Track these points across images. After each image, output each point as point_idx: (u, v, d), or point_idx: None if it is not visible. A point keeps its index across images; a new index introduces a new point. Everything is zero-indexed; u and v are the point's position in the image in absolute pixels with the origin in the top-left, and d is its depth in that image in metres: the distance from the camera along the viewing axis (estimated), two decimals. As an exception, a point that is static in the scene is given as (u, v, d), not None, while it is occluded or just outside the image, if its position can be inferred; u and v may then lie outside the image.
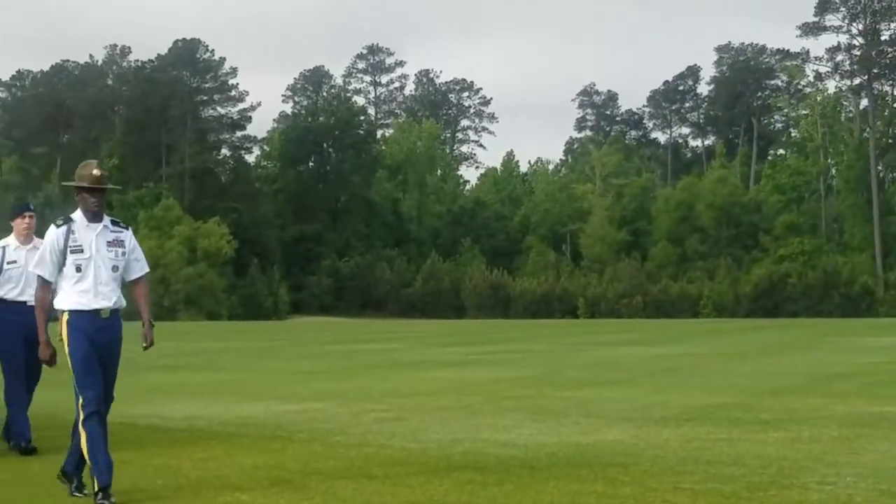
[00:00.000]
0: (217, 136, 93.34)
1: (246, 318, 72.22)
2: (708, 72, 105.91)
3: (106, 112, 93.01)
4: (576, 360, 22.13)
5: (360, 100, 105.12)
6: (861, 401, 12.81)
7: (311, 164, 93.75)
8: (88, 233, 6.94)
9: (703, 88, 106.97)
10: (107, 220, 7.07)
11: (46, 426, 10.06)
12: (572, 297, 75.10)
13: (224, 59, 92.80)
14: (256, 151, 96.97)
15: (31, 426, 9.31)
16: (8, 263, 9.30)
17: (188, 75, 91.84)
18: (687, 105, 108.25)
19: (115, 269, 6.98)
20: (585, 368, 19.44)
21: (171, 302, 71.28)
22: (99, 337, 6.81)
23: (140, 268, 7.19)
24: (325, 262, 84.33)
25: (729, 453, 8.62)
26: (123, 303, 7.02)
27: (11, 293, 9.31)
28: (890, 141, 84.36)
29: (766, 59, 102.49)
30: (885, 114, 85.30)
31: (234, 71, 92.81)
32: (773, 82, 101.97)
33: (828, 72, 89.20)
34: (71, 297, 6.87)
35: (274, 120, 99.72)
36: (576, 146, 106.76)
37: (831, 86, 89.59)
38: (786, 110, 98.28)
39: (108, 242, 6.99)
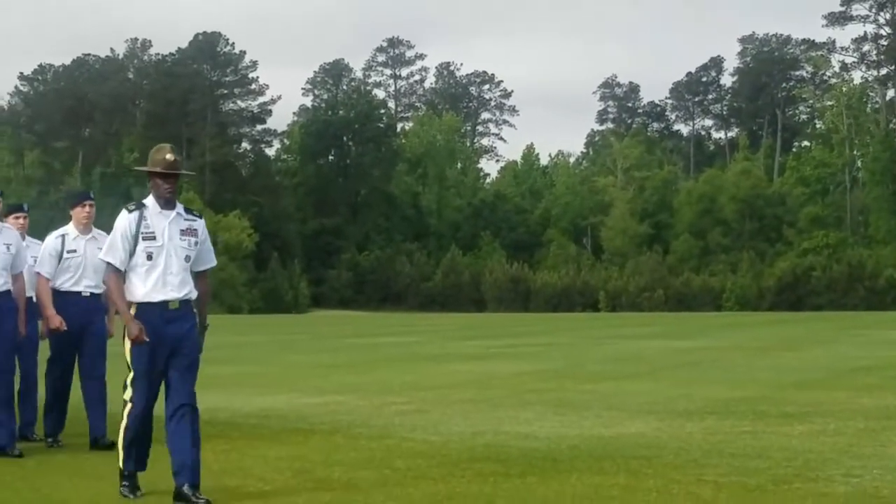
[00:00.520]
0: (237, 130, 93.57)
1: (266, 311, 72.39)
2: (731, 63, 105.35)
3: (127, 106, 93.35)
4: (597, 354, 22.08)
5: (380, 93, 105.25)
6: (887, 393, 12.72)
7: (331, 157, 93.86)
8: (161, 220, 6.65)
9: (727, 80, 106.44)
10: (179, 207, 6.79)
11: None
12: (593, 290, 74.93)
13: (244, 52, 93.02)
14: (277, 145, 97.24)
15: (100, 422, 9.04)
16: (68, 252, 9.00)
17: (209, 69, 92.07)
18: (710, 97, 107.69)
19: (187, 258, 6.68)
20: (607, 362, 19.39)
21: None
22: (167, 329, 6.51)
23: (209, 259, 6.91)
24: (345, 255, 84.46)
25: (753, 446, 8.56)
26: (195, 294, 6.70)
27: (67, 283, 9.01)
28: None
29: (791, 50, 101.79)
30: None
31: (254, 64, 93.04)
32: (797, 73, 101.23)
33: (854, 62, 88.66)
34: (140, 287, 6.58)
35: (294, 113, 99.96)
36: (597, 139, 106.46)
37: (857, 76, 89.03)
38: (811, 101, 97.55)
39: (182, 231, 6.69)
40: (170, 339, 6.51)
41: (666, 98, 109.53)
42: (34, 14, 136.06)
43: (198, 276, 6.79)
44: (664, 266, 76.69)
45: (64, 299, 8.95)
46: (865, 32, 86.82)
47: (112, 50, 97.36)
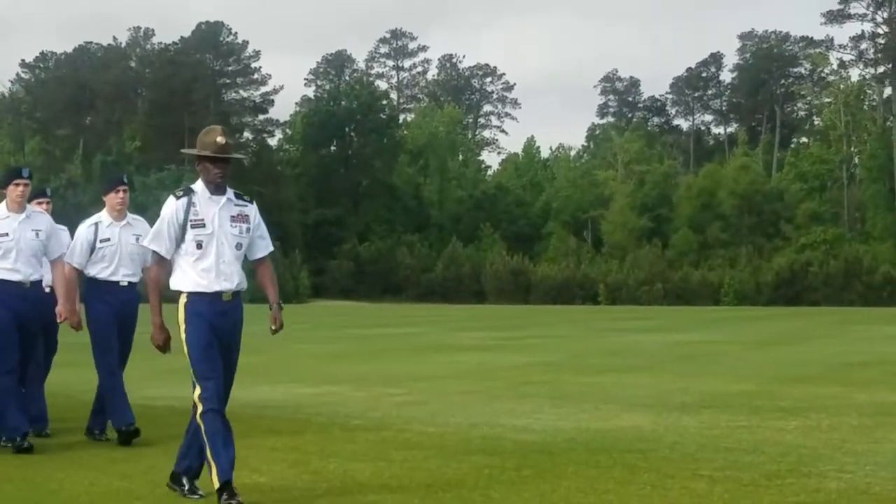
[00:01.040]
0: (240, 119, 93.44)
1: (263, 301, 72.26)
2: (731, 59, 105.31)
3: (129, 94, 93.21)
4: (596, 347, 22.12)
5: (382, 84, 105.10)
6: (882, 389, 12.76)
7: (332, 148, 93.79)
8: (211, 206, 6.29)
9: (726, 76, 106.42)
10: (230, 192, 6.42)
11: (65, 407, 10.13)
12: (593, 283, 74.93)
13: (247, 42, 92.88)
14: (279, 135, 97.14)
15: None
16: (101, 241, 8.63)
17: (211, 58, 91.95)
18: (710, 92, 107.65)
19: (238, 246, 6.34)
20: (605, 355, 19.44)
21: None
22: (220, 322, 6.21)
23: (265, 246, 6.56)
24: (346, 246, 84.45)
25: (748, 441, 8.61)
26: (246, 284, 6.40)
27: (104, 273, 8.65)
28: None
29: (790, 47, 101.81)
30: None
31: (256, 54, 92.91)
32: (796, 70, 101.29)
33: (852, 60, 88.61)
34: (190, 277, 6.23)
35: (296, 104, 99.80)
36: (598, 132, 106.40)
37: (855, 74, 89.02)
38: (809, 98, 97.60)
39: (232, 217, 6.34)
40: (225, 330, 6.26)
41: (666, 93, 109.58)
42: (37, 2, 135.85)
43: (258, 264, 6.52)
44: (663, 260, 76.68)
45: (101, 289, 8.64)
46: (863, 31, 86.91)
47: (115, 38, 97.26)
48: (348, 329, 31.30)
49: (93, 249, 8.62)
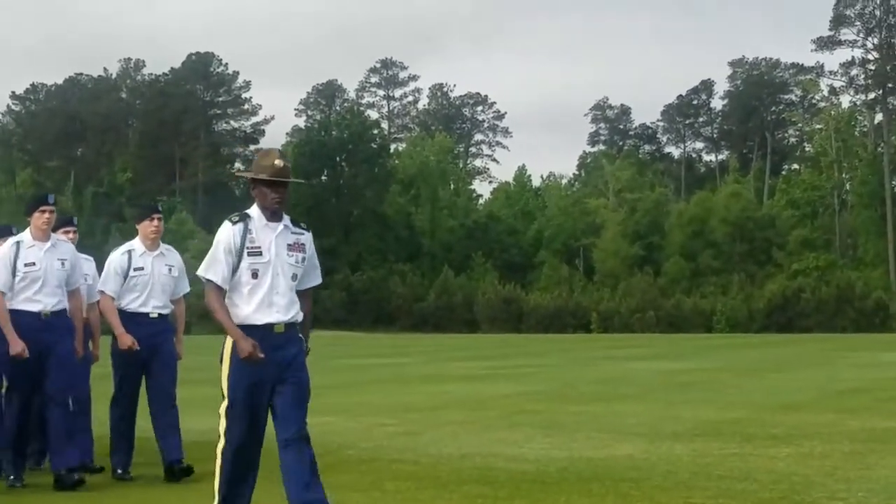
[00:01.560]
0: (230, 150, 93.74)
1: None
2: (722, 86, 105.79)
3: (120, 125, 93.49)
4: (588, 375, 22.11)
5: (373, 114, 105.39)
6: (874, 416, 12.77)
7: (324, 177, 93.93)
8: (268, 233, 5.95)
9: (717, 103, 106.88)
10: (286, 219, 6.08)
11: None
12: (585, 311, 74.95)
13: (237, 72, 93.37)
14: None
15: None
16: (134, 270, 8.37)
17: (202, 89, 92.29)
18: (700, 119, 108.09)
19: (294, 277, 5.97)
20: (598, 383, 19.42)
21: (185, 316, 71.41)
22: (274, 356, 5.80)
23: (315, 276, 6.20)
24: (338, 276, 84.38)
25: (740, 468, 8.62)
26: (301, 316, 6.00)
27: (134, 304, 8.39)
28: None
29: (781, 74, 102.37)
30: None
31: (247, 84, 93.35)
32: (787, 97, 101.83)
33: (842, 86, 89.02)
34: (241, 309, 5.87)
35: (287, 134, 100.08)
36: (589, 160, 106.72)
37: (846, 100, 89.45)
38: (800, 125, 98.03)
39: (289, 245, 6.00)
40: (275, 366, 5.83)
41: (657, 120, 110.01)
42: (27, 33, 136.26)
43: (302, 295, 6.08)
44: (655, 288, 76.74)
45: (130, 321, 8.34)
46: (853, 57, 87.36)
47: (105, 69, 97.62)
48: (341, 359, 31.23)
49: (126, 278, 8.38)
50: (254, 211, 6.04)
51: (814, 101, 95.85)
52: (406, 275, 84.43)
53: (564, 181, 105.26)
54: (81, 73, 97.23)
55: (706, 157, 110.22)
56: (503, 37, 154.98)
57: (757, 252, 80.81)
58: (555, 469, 8.72)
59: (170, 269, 8.55)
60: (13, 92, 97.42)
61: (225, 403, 5.96)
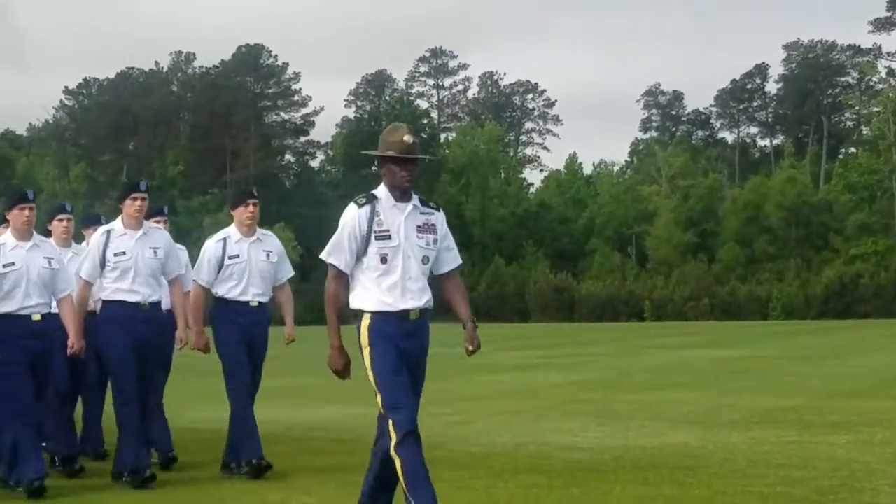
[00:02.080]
0: (281, 142, 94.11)
1: (310, 323, 72.64)
2: (776, 70, 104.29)
3: (171, 119, 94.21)
4: (642, 364, 21.97)
5: (423, 103, 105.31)
6: (935, 403, 12.56)
7: (374, 168, 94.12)
8: (396, 214, 5.61)
9: (772, 87, 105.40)
10: (415, 198, 5.74)
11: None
12: (638, 299, 74.50)
13: (287, 64, 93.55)
14: (320, 156, 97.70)
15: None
16: (230, 258, 8.06)
17: (252, 81, 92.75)
18: (755, 104, 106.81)
19: (425, 260, 5.65)
20: (652, 371, 19.29)
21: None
22: (406, 344, 5.58)
23: (453, 258, 5.87)
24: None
25: (799, 456, 8.49)
26: (432, 303, 5.72)
27: (232, 292, 8.08)
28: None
29: (837, 56, 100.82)
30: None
31: (297, 76, 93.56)
32: (843, 79, 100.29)
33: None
34: (373, 295, 5.55)
35: (337, 125, 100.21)
36: (641, 147, 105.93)
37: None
38: (857, 108, 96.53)
39: (419, 227, 5.66)
40: (408, 354, 5.62)
41: (710, 105, 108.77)
42: (79, 28, 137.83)
43: (446, 279, 5.83)
44: (710, 275, 76.10)
45: (230, 309, 8.06)
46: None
47: (156, 63, 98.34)
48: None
49: (221, 266, 8.09)
50: (381, 191, 5.67)
51: (871, 84, 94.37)
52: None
53: (616, 168, 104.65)
54: (133, 68, 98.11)
55: (761, 142, 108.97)
56: (553, 24, 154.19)
57: (813, 237, 79.84)
58: (610, 457, 8.66)
59: (268, 255, 8.25)
60: (66, 87, 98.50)
61: (380, 398, 5.64)
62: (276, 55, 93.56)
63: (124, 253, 7.75)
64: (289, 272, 8.54)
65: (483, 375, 19.00)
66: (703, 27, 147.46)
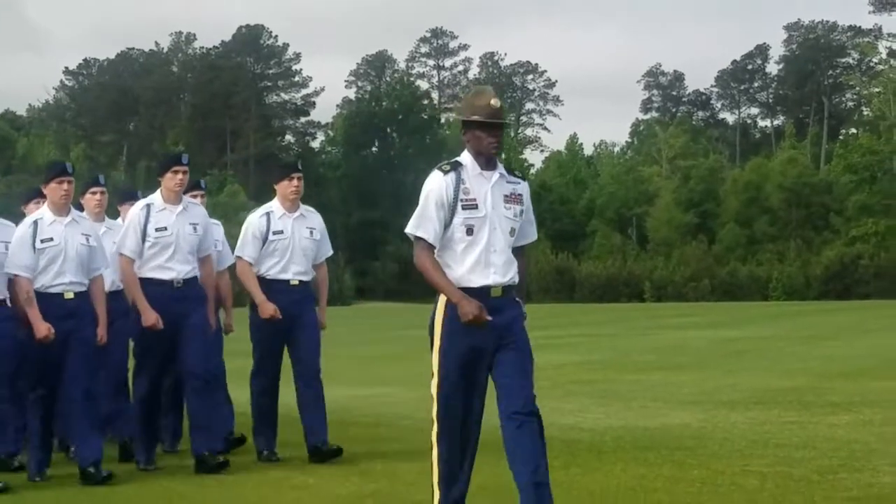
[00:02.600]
0: (281, 122, 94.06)
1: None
2: (777, 51, 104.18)
3: (171, 99, 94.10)
4: (642, 344, 21.98)
5: (423, 84, 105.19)
6: (935, 383, 12.56)
7: (374, 149, 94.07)
8: (482, 183, 5.26)
9: (773, 68, 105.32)
10: (500, 167, 5.37)
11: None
12: (638, 280, 74.50)
13: (287, 44, 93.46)
14: (320, 137, 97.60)
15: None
16: (273, 234, 7.73)
17: (252, 62, 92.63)
18: (756, 85, 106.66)
19: (511, 232, 5.30)
20: (652, 352, 19.31)
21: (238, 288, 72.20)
22: (492, 322, 5.16)
23: (531, 232, 5.55)
24: (390, 247, 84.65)
25: (799, 436, 8.51)
26: (518, 278, 5.35)
27: (273, 270, 7.76)
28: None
29: (837, 37, 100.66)
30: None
31: (297, 57, 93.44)
32: (844, 60, 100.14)
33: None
34: (454, 269, 5.22)
35: (337, 105, 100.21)
36: (642, 128, 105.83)
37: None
38: (857, 88, 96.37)
39: (506, 197, 5.30)
40: (494, 332, 5.22)
41: (711, 86, 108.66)
42: (79, 8, 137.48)
43: (517, 253, 5.40)
44: (710, 255, 76.12)
45: (269, 288, 7.71)
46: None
47: (156, 43, 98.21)
48: (396, 330, 31.35)
49: (263, 242, 7.76)
50: (465, 158, 5.31)
51: (871, 64, 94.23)
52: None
53: (617, 149, 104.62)
54: (133, 48, 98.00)
55: (761, 123, 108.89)
56: (553, 4, 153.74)
57: (814, 218, 79.83)
58: (610, 438, 8.67)
59: (311, 232, 7.94)
60: (66, 67, 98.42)
61: (435, 381, 5.46)
62: (277, 35, 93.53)
63: (165, 228, 7.48)
64: (328, 251, 8.21)
65: (483, 356, 18.99)
66: (703, 7, 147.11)
